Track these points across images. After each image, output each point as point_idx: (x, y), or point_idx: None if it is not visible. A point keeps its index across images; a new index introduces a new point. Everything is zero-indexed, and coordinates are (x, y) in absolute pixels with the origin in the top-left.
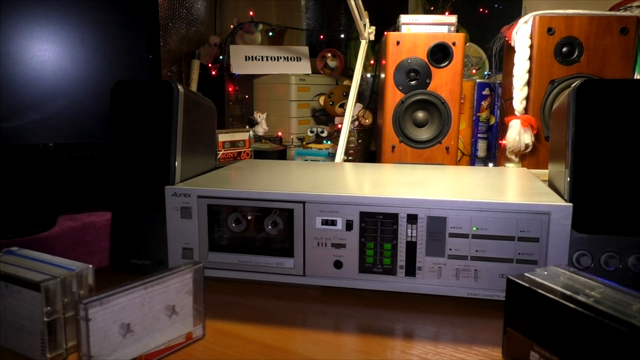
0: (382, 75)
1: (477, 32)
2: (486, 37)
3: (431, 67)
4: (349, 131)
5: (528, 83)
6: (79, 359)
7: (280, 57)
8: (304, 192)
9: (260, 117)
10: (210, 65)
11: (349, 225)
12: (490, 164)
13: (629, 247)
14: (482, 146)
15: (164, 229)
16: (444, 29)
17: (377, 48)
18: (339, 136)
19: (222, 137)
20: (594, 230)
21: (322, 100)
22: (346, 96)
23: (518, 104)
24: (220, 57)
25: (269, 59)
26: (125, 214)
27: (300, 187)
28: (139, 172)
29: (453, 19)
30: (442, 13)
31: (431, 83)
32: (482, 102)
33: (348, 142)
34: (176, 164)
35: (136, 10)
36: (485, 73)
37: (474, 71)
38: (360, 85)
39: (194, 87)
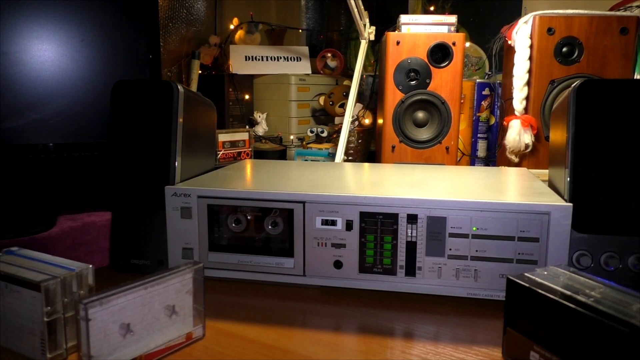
0: (382, 75)
1: (477, 32)
2: (486, 37)
3: (431, 67)
4: (349, 131)
5: (528, 83)
6: (79, 359)
7: (280, 57)
8: (304, 192)
9: (260, 117)
10: (210, 65)
11: (349, 225)
12: (491, 165)
13: (629, 247)
14: (482, 146)
15: (164, 229)
16: (444, 29)
17: (377, 48)
18: (339, 136)
19: (222, 137)
20: (594, 230)
21: (322, 100)
22: (346, 96)
23: (518, 104)
24: (220, 57)
25: (269, 59)
26: (125, 214)
27: (300, 187)
28: (139, 172)
29: (453, 19)
30: (442, 13)
31: (431, 83)
32: (482, 102)
33: (348, 142)
34: (176, 164)
35: (136, 10)
36: (485, 73)
37: (474, 71)
38: (360, 85)
39: (194, 87)
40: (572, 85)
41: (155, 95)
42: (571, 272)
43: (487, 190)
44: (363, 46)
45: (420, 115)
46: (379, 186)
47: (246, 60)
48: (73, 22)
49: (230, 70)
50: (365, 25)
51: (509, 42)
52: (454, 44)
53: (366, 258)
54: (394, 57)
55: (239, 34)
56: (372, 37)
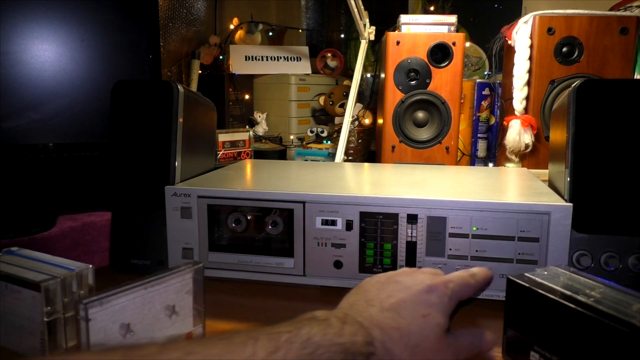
0: (382, 75)
1: (477, 32)
2: (486, 37)
3: (431, 67)
4: (349, 131)
5: (528, 83)
6: None
7: (280, 57)
8: (304, 192)
9: (260, 117)
10: (210, 65)
11: (349, 225)
12: (490, 164)
13: (629, 247)
14: (482, 146)
15: (164, 229)
16: (444, 29)
17: (377, 48)
18: (339, 136)
19: (222, 137)
20: (594, 230)
21: (322, 100)
22: (346, 96)
23: (518, 104)
24: (220, 57)
25: (269, 59)
26: (125, 214)
27: (300, 187)
28: (139, 172)
29: (453, 19)
30: (442, 13)
31: (431, 83)
32: (482, 102)
33: (348, 142)
34: (176, 164)
35: (136, 10)
36: (485, 73)
37: (474, 70)
38: (360, 85)
39: (194, 87)
40: (572, 85)
41: (155, 95)
42: (571, 272)
43: (487, 190)
44: (363, 46)
45: (420, 115)
46: (379, 186)
47: (246, 60)
48: (73, 22)
49: (230, 70)
50: (365, 25)
51: (509, 42)
52: (454, 44)
53: (366, 258)
54: (394, 57)
55: (239, 33)
56: (372, 37)
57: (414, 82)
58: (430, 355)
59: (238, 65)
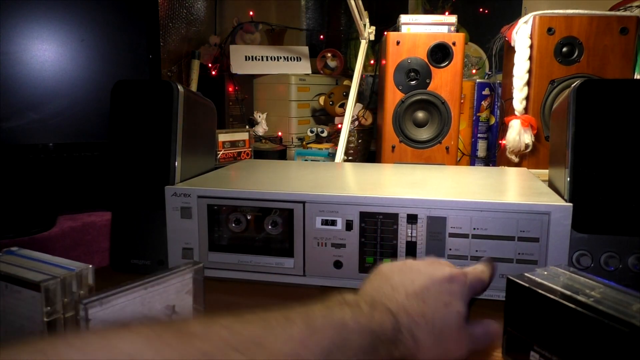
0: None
1: (477, 32)
2: (486, 37)
3: (431, 67)
4: (349, 131)
5: (528, 83)
6: None
7: (280, 57)
8: (304, 192)
9: (260, 117)
10: (210, 65)
11: (349, 225)
12: (490, 164)
13: (629, 247)
14: (482, 146)
15: (164, 229)
16: (444, 29)
17: (377, 48)
18: (339, 136)
19: (222, 137)
20: (594, 230)
21: (322, 100)
22: (346, 96)
23: (518, 104)
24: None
25: (269, 59)
26: (125, 214)
27: (300, 187)
28: (139, 172)
29: (453, 19)
30: (442, 13)
31: (431, 83)
32: (482, 102)
33: (348, 142)
34: (176, 164)
35: (136, 10)
36: (485, 73)
37: (474, 71)
38: (360, 85)
39: (194, 87)
40: (572, 85)
41: (155, 95)
42: (571, 272)
43: (487, 190)
44: (363, 46)
45: (420, 115)
46: (379, 186)
47: (246, 60)
48: (73, 22)
49: (231, 70)
50: (365, 25)
51: (510, 42)
52: (454, 44)
53: (366, 258)
54: (394, 57)
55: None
56: (372, 37)
57: (414, 82)
58: (451, 342)
59: (238, 65)
